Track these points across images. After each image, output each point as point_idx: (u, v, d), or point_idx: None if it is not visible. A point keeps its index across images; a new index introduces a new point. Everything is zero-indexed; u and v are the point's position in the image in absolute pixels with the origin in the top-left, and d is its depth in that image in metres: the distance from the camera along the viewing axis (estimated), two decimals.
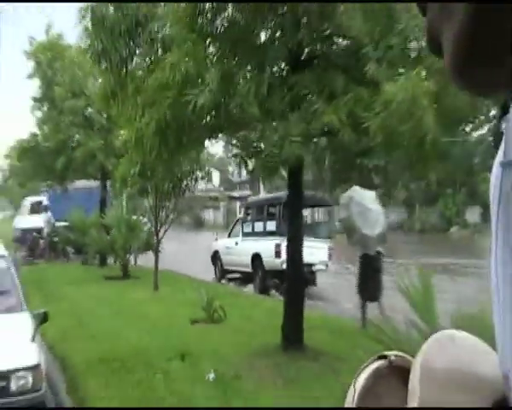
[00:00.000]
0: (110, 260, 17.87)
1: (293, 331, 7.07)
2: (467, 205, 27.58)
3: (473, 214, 25.42)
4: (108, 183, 18.23)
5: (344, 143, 6.89)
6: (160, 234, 13.54)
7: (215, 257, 17.28)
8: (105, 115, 16.43)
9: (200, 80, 5.84)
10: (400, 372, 0.69)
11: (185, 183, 12.48)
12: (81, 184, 21.11)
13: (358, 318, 8.77)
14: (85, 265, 18.33)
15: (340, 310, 11.03)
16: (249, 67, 6.54)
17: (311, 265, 12.65)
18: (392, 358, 0.72)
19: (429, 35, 0.45)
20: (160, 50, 6.18)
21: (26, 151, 19.32)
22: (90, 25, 6.07)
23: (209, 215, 44.40)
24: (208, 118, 6.42)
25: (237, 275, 16.38)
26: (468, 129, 26.69)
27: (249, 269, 15.15)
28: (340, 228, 10.54)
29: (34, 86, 19.20)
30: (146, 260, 15.81)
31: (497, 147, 0.48)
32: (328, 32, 6.66)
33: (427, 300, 5.11)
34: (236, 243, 16.13)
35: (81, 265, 18.54)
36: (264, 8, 6.31)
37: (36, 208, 25.59)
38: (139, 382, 6.17)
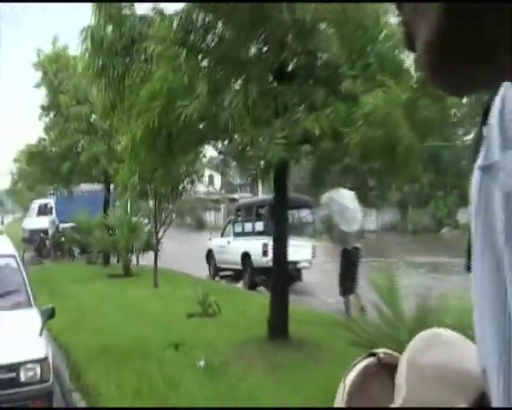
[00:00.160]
0: (113, 260, 18.44)
1: (278, 324, 7.43)
2: (458, 206, 28.00)
3: (464, 215, 25.86)
4: (112, 186, 18.72)
5: (324, 151, 7.44)
6: (160, 234, 14.11)
7: (209, 256, 17.77)
8: (107, 122, 16.97)
9: (189, 91, 6.35)
10: (389, 370, 0.70)
11: (182, 186, 12.95)
12: (86, 187, 21.73)
13: (343, 310, 9.32)
14: (90, 264, 18.82)
15: (325, 304, 11.42)
16: (238, 80, 7.03)
17: (295, 262, 13.14)
18: (381, 355, 0.72)
19: (405, 33, 0.44)
20: (154, 65, 6.69)
21: (34, 156, 20.02)
22: (89, 45, 6.59)
23: (210, 217, 44.92)
24: (198, 126, 6.91)
25: (229, 273, 16.87)
26: (460, 133, 27.15)
27: (239, 267, 15.73)
28: (323, 227, 11.14)
29: (42, 94, 19.88)
30: (148, 259, 16.28)
31: (478, 151, 0.49)
32: (310, 47, 7.14)
33: (391, 293, 5.70)
34: (229, 242, 16.64)
35: (86, 264, 19.04)
36: (251, 25, 6.82)
37: (43, 210, 26.43)
38: (136, 369, 6.65)
